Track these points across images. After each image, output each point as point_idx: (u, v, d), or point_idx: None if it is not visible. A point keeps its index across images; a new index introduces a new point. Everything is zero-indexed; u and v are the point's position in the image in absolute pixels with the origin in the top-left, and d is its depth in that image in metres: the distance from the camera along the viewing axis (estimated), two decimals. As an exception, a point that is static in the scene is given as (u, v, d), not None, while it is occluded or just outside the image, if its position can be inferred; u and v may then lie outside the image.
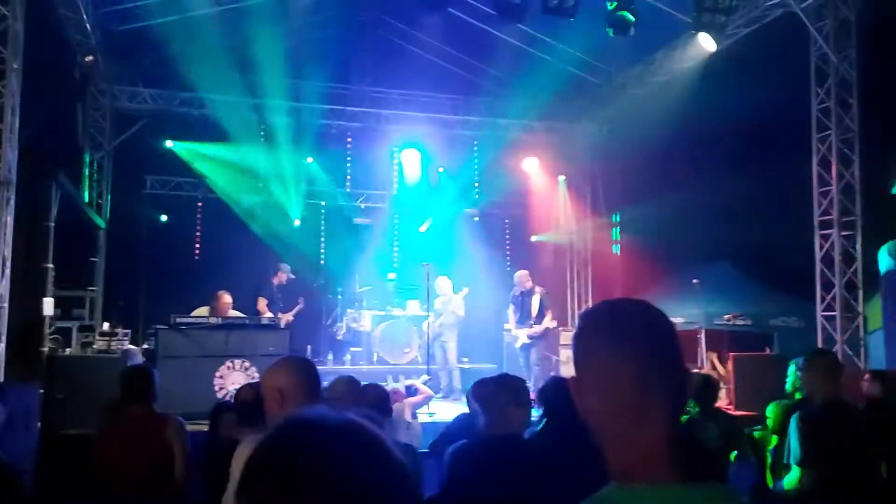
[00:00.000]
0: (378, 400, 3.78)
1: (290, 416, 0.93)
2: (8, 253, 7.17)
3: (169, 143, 12.04)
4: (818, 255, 8.68)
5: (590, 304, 13.97)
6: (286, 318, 9.95)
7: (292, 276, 10.38)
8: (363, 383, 4.12)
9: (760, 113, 9.02)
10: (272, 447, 0.90)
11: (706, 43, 9.31)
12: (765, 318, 11.17)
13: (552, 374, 9.53)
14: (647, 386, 1.11)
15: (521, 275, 10.31)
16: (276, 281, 10.21)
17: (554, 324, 10.14)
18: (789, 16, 8.67)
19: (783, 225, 9.72)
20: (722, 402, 8.03)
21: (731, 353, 9.32)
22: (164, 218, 12.14)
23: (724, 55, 9.48)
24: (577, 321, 1.27)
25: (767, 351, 9.82)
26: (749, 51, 9.30)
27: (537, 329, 9.85)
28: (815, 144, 8.71)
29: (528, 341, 9.89)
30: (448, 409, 8.48)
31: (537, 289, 10.11)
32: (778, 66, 9.24)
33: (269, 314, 9.34)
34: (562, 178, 13.81)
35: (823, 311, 8.62)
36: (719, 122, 9.67)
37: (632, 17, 8.19)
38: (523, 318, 10.00)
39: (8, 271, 7.18)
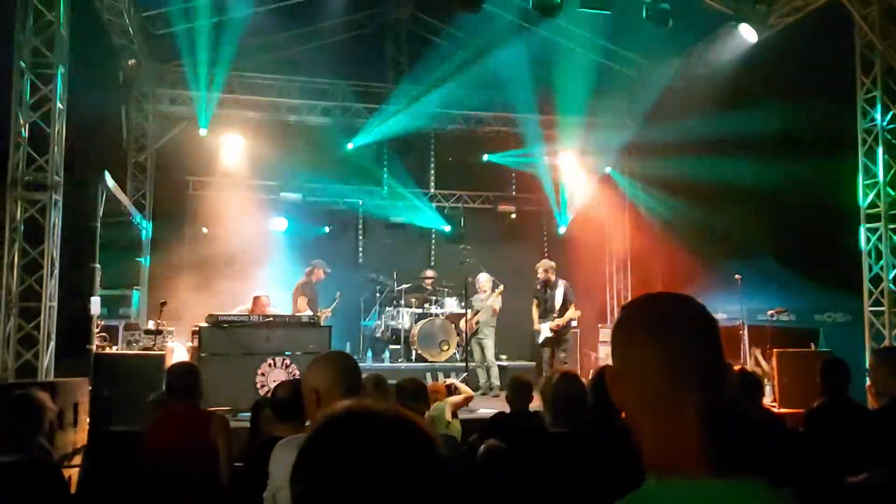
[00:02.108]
0: (415, 392, 3.79)
1: (340, 408, 0.96)
2: (56, 253, 7.36)
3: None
4: (865, 248, 8.48)
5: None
6: (325, 313, 10.00)
7: (328, 271, 10.43)
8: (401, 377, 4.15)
9: (804, 103, 8.84)
10: (324, 437, 0.94)
11: (747, 34, 9.15)
12: (809, 314, 10.95)
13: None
14: (682, 380, 1.11)
15: (543, 264, 10.08)
16: (313, 278, 10.25)
17: (578, 314, 9.92)
18: (833, 3, 8.47)
19: (828, 218, 9.51)
20: (766, 399, 7.88)
21: (774, 350, 9.15)
22: (205, 230, 12.28)
23: (765, 46, 9.31)
24: (619, 312, 1.25)
25: (813, 347, 9.62)
26: (791, 41, 9.11)
27: (560, 322, 9.70)
28: (861, 135, 8.50)
29: (550, 335, 9.74)
30: (487, 407, 8.46)
31: (560, 282, 9.94)
32: (821, 56, 9.04)
33: (309, 312, 9.43)
34: (609, 168, 13.64)
35: (871, 305, 8.42)
36: (761, 115, 9.50)
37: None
38: (546, 313, 9.84)
39: (56, 271, 7.37)
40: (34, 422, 3.14)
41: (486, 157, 13.48)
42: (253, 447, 3.57)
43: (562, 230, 13.88)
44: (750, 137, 10.00)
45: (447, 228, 13.65)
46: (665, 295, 1.22)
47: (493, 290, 10.50)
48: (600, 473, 2.60)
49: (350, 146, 12.67)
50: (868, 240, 8.46)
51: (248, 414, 6.80)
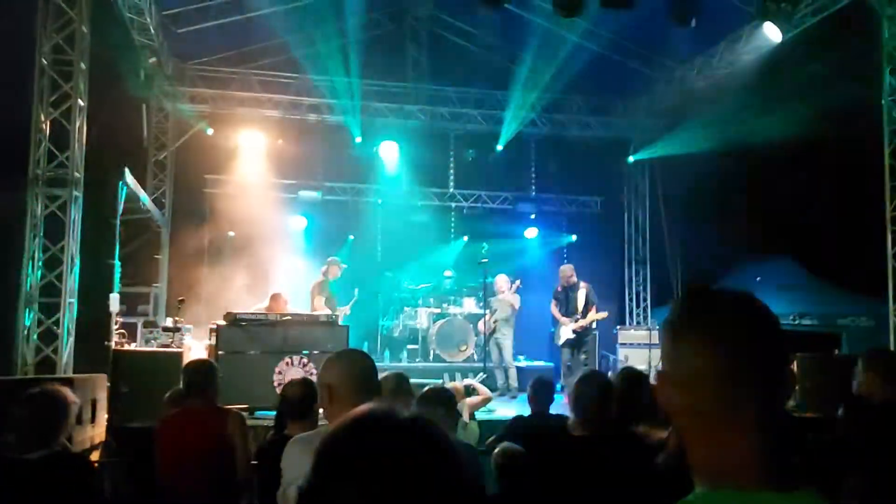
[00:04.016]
0: (439, 401, 3.75)
1: (360, 411, 0.95)
2: (76, 249, 7.40)
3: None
4: (890, 251, 8.32)
5: (648, 304, 13.72)
6: (344, 311, 9.95)
7: (344, 266, 10.36)
8: (429, 384, 4.11)
9: (828, 103, 8.70)
10: (343, 436, 0.92)
11: (771, 33, 9.02)
12: (832, 318, 10.81)
13: (610, 373, 9.36)
14: (743, 389, 1.03)
15: (565, 269, 10.10)
16: (329, 276, 10.15)
17: (602, 315, 9.85)
18: (859, 2, 8.34)
19: (851, 220, 9.38)
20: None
21: (796, 354, 9.01)
22: (231, 234, 12.25)
23: (789, 45, 9.18)
24: (669, 308, 1.15)
25: (836, 351, 9.48)
26: (816, 40, 8.98)
27: (582, 323, 9.62)
28: (887, 135, 8.35)
29: (572, 336, 9.65)
30: (504, 408, 8.41)
31: (582, 284, 9.88)
32: (847, 56, 8.90)
33: (326, 311, 9.39)
34: (632, 158, 13.43)
35: (896, 310, 8.26)
36: (784, 115, 9.37)
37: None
38: (568, 314, 9.76)
39: (76, 267, 7.40)
40: (59, 417, 3.13)
41: (499, 147, 13.26)
42: (268, 446, 3.55)
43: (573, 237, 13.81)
44: (772, 137, 9.88)
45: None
46: (722, 291, 1.12)
47: (510, 289, 10.44)
48: (621, 479, 2.54)
49: (358, 140, 12.60)
50: (894, 242, 8.29)
51: (266, 412, 6.85)
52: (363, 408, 0.96)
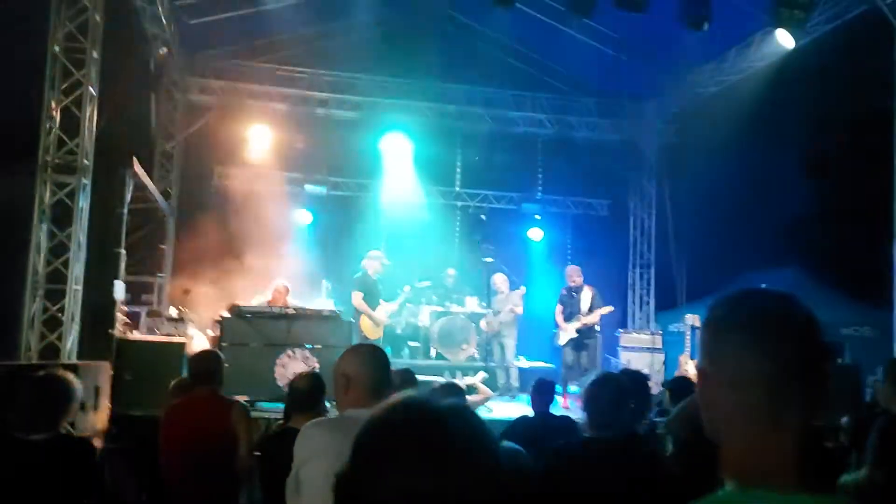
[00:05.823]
0: (451, 390, 3.77)
1: (402, 397, 0.99)
2: (83, 237, 7.40)
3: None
4: (896, 262, 8.30)
5: (651, 308, 13.71)
6: (390, 307, 9.58)
7: (386, 262, 9.65)
8: (431, 382, 4.12)
9: (838, 113, 8.70)
10: (387, 424, 0.95)
11: (784, 40, 9.01)
12: (835, 327, 10.77)
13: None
14: (784, 387, 1.04)
15: (571, 270, 10.09)
16: (370, 271, 9.38)
17: (608, 310, 9.79)
18: (873, 12, 8.32)
19: (858, 229, 9.36)
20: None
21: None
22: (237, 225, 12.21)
23: (801, 53, 9.17)
24: (710, 308, 1.16)
25: (838, 360, 9.47)
26: (828, 48, 8.97)
27: (587, 319, 9.57)
28: (896, 146, 8.33)
29: (575, 335, 9.60)
30: (505, 407, 8.42)
31: (587, 287, 9.87)
32: (859, 65, 8.89)
33: (331, 306, 9.33)
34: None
35: (901, 321, 8.24)
36: (793, 123, 9.37)
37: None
38: (572, 316, 9.77)
39: (83, 255, 7.41)
40: (65, 402, 3.16)
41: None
42: (272, 436, 3.57)
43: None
44: (782, 145, 9.88)
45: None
46: (765, 293, 1.13)
47: (510, 290, 10.43)
48: (636, 480, 2.55)
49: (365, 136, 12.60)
50: (900, 253, 8.28)
51: (265, 404, 6.87)
52: (404, 394, 0.99)
